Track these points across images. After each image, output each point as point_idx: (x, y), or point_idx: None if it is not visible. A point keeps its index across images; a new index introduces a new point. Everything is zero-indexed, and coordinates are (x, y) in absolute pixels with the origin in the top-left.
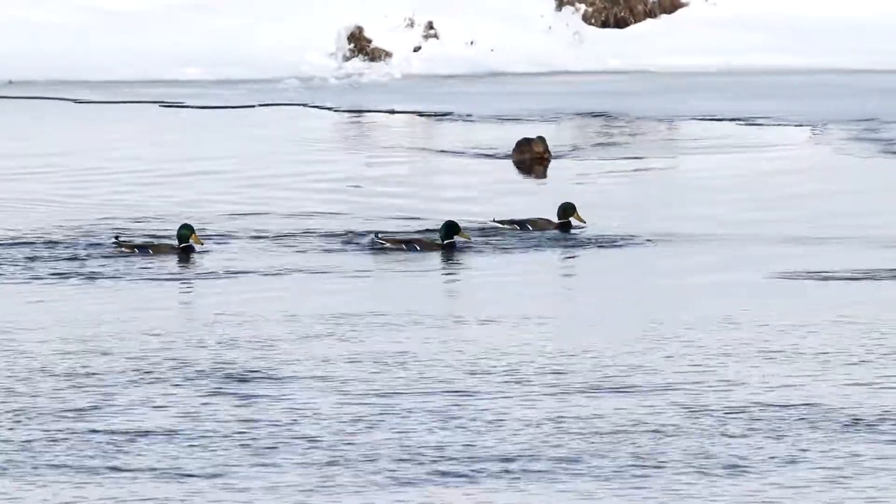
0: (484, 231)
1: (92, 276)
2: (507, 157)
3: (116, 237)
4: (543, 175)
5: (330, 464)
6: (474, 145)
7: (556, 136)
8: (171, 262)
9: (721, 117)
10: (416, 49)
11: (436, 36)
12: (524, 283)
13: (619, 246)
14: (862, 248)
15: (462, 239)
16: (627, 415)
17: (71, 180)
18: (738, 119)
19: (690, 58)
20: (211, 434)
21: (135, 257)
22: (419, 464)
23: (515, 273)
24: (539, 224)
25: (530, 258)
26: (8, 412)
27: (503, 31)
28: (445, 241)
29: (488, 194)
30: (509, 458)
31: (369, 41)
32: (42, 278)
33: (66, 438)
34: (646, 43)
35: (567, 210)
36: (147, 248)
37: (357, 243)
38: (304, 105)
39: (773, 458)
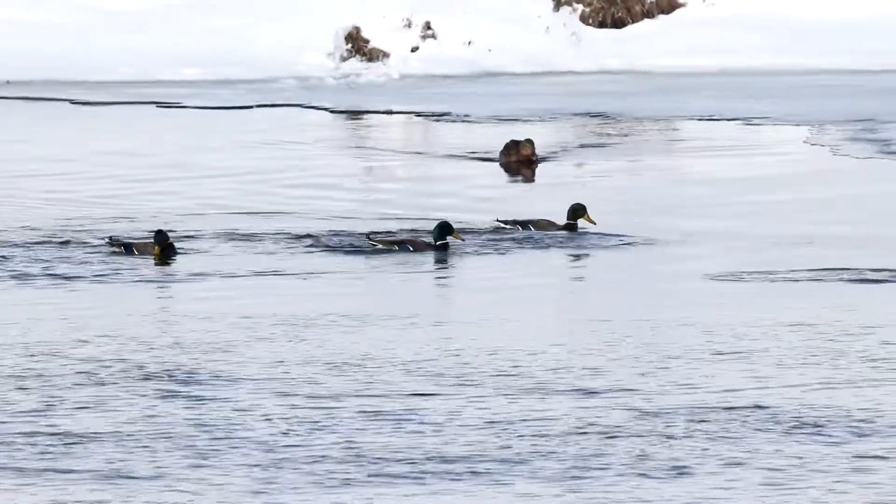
0: (480, 232)
1: (65, 277)
2: (495, 159)
3: (110, 238)
4: (531, 177)
5: (274, 465)
6: (465, 147)
7: (553, 136)
8: (151, 263)
9: (718, 117)
10: (414, 49)
11: (433, 36)
12: (497, 285)
13: (606, 247)
14: (855, 249)
15: (456, 240)
16: (577, 417)
17: (63, 181)
18: (736, 119)
19: (688, 58)
20: (155, 436)
21: (122, 257)
22: (365, 465)
23: (492, 275)
24: (541, 225)
25: (514, 259)
26: None
27: (501, 32)
28: (438, 242)
29: (472, 197)
30: (454, 459)
31: (367, 41)
32: (14, 279)
33: (10, 441)
34: (643, 43)
35: (577, 211)
36: (132, 248)
37: (317, 245)
38: (302, 105)
39: (718, 459)
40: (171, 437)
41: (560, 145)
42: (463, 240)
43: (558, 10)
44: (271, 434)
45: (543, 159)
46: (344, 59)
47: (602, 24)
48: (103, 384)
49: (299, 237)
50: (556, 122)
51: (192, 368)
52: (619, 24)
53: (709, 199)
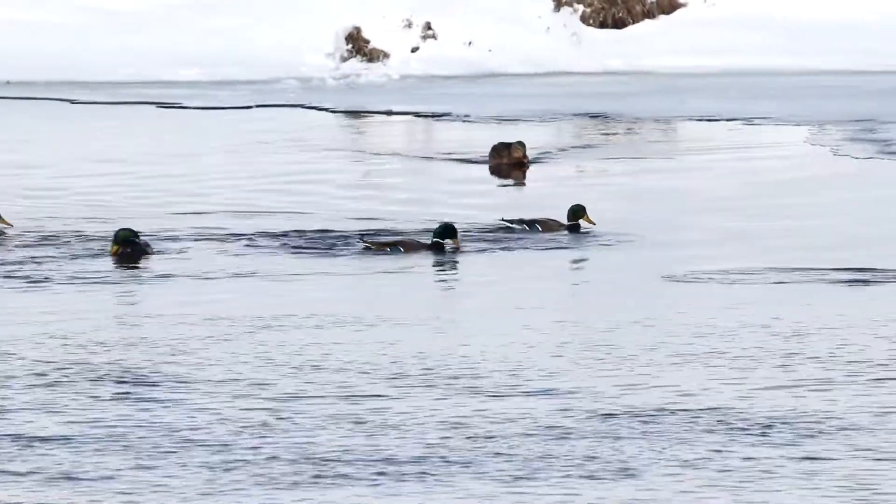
0: (482, 231)
1: (30, 279)
2: (484, 161)
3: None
4: (522, 179)
5: (224, 467)
6: (464, 148)
7: (552, 137)
8: (132, 264)
9: (719, 118)
10: (414, 50)
11: (434, 37)
12: (471, 288)
13: (595, 248)
14: (850, 250)
15: (451, 244)
16: (531, 418)
17: (58, 181)
18: (736, 119)
19: (688, 58)
20: (106, 437)
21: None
22: (317, 467)
23: (471, 277)
24: (548, 224)
25: (496, 261)
26: None
27: (501, 32)
28: (433, 241)
29: (462, 199)
30: (406, 460)
31: (367, 42)
32: None
33: None
34: (644, 44)
35: (577, 212)
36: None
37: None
38: (302, 106)
39: (668, 461)
40: (121, 439)
41: (558, 146)
42: (459, 248)
43: (559, 10)
44: (223, 435)
45: (534, 161)
46: (344, 60)
47: (603, 25)
48: (56, 385)
49: (279, 237)
50: (556, 123)
51: (147, 370)
52: (619, 24)
53: (707, 200)
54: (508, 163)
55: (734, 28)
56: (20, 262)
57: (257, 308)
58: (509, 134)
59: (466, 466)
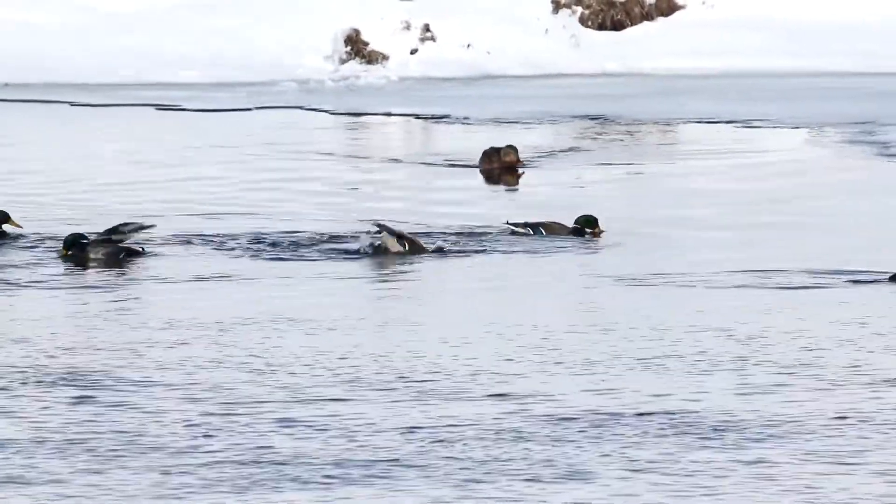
0: (482, 234)
1: (13, 284)
2: (474, 166)
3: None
4: (515, 184)
5: (174, 470)
6: (463, 150)
7: (551, 139)
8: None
9: (718, 120)
10: (413, 52)
11: (432, 38)
12: (437, 291)
13: (580, 251)
14: (839, 254)
15: (591, 232)
16: (484, 421)
17: (53, 183)
18: (736, 121)
19: (687, 60)
20: (58, 442)
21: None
22: (267, 469)
23: (439, 281)
24: (553, 228)
25: (473, 264)
26: None
27: (500, 34)
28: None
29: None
30: (355, 464)
31: (366, 44)
32: None
33: None
34: (643, 46)
35: (588, 222)
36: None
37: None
38: (301, 108)
39: (619, 465)
40: (72, 443)
41: (556, 148)
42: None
43: (557, 12)
44: (175, 439)
45: (530, 164)
46: (343, 62)
47: (601, 27)
48: (8, 389)
49: (254, 239)
50: (554, 125)
51: (103, 374)
52: (618, 26)
53: (704, 203)
54: (500, 167)
55: (733, 30)
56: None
57: (221, 311)
58: (508, 135)
59: (416, 469)
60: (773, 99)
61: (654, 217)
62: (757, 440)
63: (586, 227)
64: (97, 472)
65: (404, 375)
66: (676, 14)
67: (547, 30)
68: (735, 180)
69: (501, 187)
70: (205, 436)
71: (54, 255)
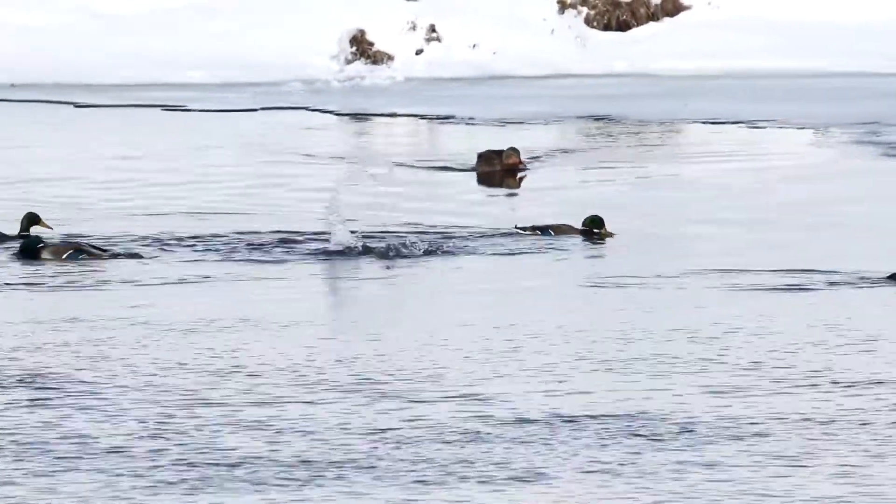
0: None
1: None
2: (470, 169)
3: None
4: (515, 186)
5: (126, 472)
6: (461, 152)
7: (557, 139)
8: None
9: (723, 120)
10: (419, 52)
11: (438, 39)
12: (408, 293)
13: (571, 255)
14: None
15: (599, 233)
16: (445, 423)
17: (47, 183)
18: (741, 122)
19: (693, 61)
20: (8, 444)
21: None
22: (219, 470)
23: (412, 283)
24: (562, 230)
25: (448, 265)
26: None
27: (506, 34)
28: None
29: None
30: (304, 465)
31: (371, 44)
32: None
33: None
34: (648, 46)
35: (594, 222)
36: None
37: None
38: (307, 108)
39: (571, 467)
40: (24, 446)
41: (561, 148)
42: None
43: (563, 12)
44: (134, 441)
45: (534, 163)
46: (349, 62)
47: (607, 27)
48: None
49: (232, 241)
50: (560, 125)
51: (61, 376)
52: (624, 26)
53: (706, 203)
54: (502, 169)
55: (738, 30)
56: None
57: (184, 313)
58: (514, 136)
59: (369, 471)
60: (779, 99)
61: (653, 218)
62: (714, 442)
63: (593, 227)
64: (44, 476)
65: (366, 377)
66: (682, 15)
67: (553, 30)
68: (741, 181)
69: (503, 189)
70: (160, 438)
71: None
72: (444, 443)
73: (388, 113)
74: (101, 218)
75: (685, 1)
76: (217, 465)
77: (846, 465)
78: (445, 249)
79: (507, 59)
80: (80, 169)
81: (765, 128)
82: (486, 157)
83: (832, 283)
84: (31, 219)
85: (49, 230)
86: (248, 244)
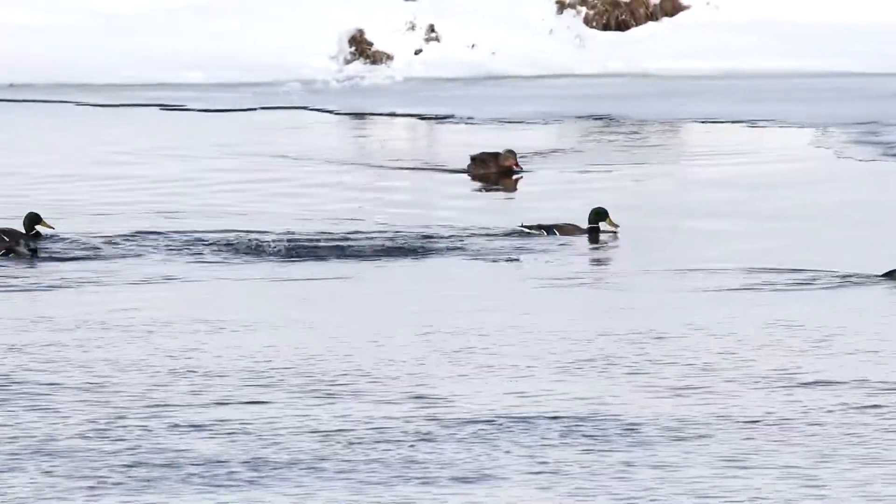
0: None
1: None
2: (462, 171)
3: None
4: (512, 189)
5: (75, 473)
6: (459, 153)
7: (555, 139)
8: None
9: (722, 120)
10: (418, 52)
11: (437, 39)
12: (368, 294)
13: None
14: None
15: (606, 226)
16: (393, 424)
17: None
18: (740, 122)
19: (692, 61)
20: None
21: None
22: (163, 470)
23: (374, 284)
24: (566, 229)
25: (418, 267)
26: None
27: (504, 34)
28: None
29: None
30: (246, 465)
31: (370, 44)
32: None
33: None
34: (647, 46)
35: (599, 214)
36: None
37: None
38: (306, 108)
39: (515, 467)
40: None
41: (559, 148)
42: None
43: (562, 12)
44: (82, 441)
45: (523, 170)
46: (347, 62)
47: (606, 27)
48: None
49: (202, 241)
50: (559, 125)
51: (15, 377)
52: (622, 26)
53: (704, 201)
54: (498, 171)
55: (738, 30)
56: None
57: (148, 313)
58: (513, 136)
59: (313, 471)
60: (778, 99)
61: (653, 218)
62: (661, 443)
63: (598, 219)
64: None
65: (319, 378)
66: (681, 14)
67: (551, 30)
68: (740, 181)
69: (500, 191)
70: (108, 438)
71: None
72: (392, 443)
73: (387, 113)
74: (82, 216)
75: (684, 1)
76: (164, 465)
77: (792, 466)
78: (416, 250)
79: (506, 59)
80: (76, 168)
81: (765, 128)
82: (481, 160)
83: (829, 283)
84: (33, 218)
85: (51, 230)
86: (215, 244)
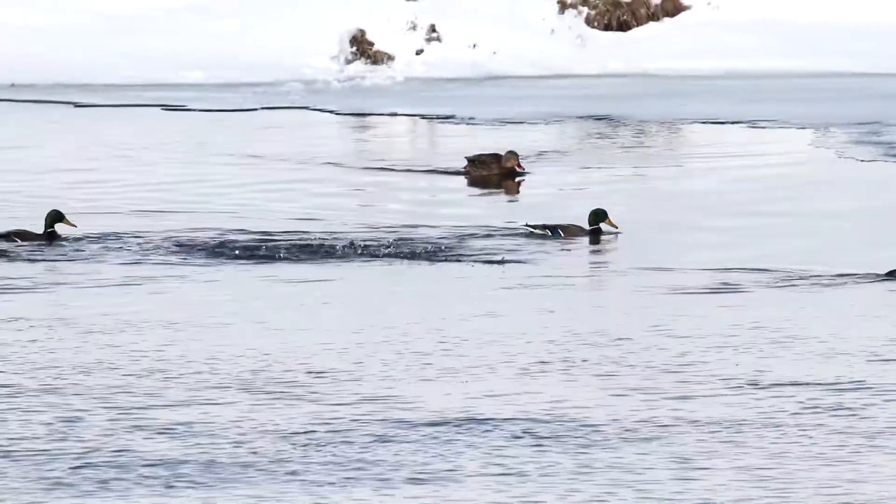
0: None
1: None
2: (457, 172)
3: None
4: (514, 190)
5: (19, 470)
6: (459, 153)
7: (556, 139)
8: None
9: (723, 120)
10: (419, 52)
11: (438, 39)
12: (336, 296)
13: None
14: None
15: (607, 226)
16: (349, 425)
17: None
18: (741, 122)
19: (693, 61)
20: None
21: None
22: (115, 470)
23: (344, 286)
24: (570, 230)
25: (388, 268)
26: None
27: (505, 35)
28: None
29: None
30: (200, 466)
31: (371, 44)
32: None
33: None
34: (648, 46)
35: (599, 215)
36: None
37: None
38: (307, 108)
39: (472, 468)
40: None
41: (560, 148)
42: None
43: (563, 12)
44: (37, 441)
45: (525, 171)
46: (349, 62)
47: (607, 27)
48: None
49: (183, 241)
50: (560, 125)
51: None
52: (623, 26)
53: (703, 201)
54: (500, 173)
55: (738, 31)
56: None
57: (117, 313)
58: (514, 136)
59: (275, 474)
60: (779, 100)
61: (652, 218)
62: (618, 444)
63: (597, 220)
64: None
65: (279, 379)
66: (682, 15)
67: (553, 30)
68: (740, 181)
69: (503, 192)
70: (65, 439)
71: None
72: (347, 444)
73: (388, 113)
74: (82, 216)
75: (685, 1)
76: (118, 467)
77: (748, 466)
78: (412, 253)
79: (507, 59)
80: (76, 168)
81: (765, 128)
82: (480, 161)
83: (830, 283)
84: (55, 216)
85: (73, 227)
86: (188, 244)
